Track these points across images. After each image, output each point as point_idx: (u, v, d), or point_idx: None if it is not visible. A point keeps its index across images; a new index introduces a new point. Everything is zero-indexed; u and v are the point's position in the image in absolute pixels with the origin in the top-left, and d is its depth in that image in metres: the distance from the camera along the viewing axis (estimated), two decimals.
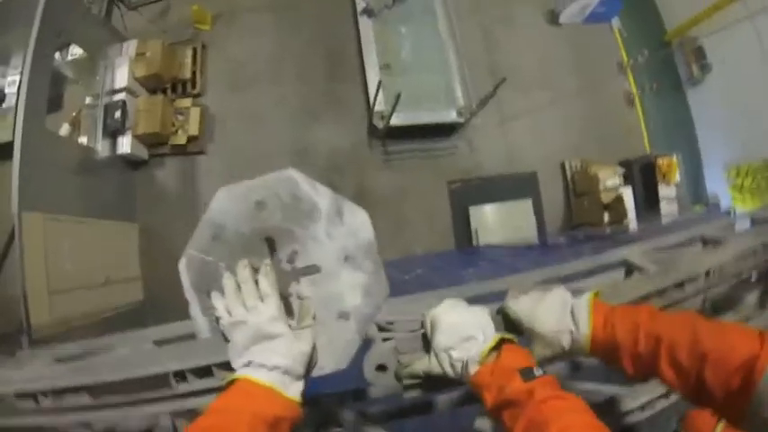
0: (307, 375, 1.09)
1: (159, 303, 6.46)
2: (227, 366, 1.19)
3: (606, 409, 1.50)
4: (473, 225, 7.79)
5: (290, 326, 1.11)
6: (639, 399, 1.48)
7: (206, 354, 1.25)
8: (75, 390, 1.40)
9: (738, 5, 8.04)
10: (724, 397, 0.88)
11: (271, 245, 1.23)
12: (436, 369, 1.12)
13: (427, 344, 1.18)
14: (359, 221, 1.21)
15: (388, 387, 1.23)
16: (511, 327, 1.21)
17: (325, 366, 1.15)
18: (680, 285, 1.44)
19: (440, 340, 1.10)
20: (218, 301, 1.13)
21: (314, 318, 1.16)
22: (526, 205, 8.05)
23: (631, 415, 1.46)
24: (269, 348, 1.04)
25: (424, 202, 8.00)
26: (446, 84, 7.82)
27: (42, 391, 1.43)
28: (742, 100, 8.42)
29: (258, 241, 1.22)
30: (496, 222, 7.88)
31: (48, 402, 1.43)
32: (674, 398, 1.52)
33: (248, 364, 1.03)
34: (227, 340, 1.11)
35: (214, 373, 1.25)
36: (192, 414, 1.40)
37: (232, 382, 1.02)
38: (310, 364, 1.11)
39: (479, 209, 7.90)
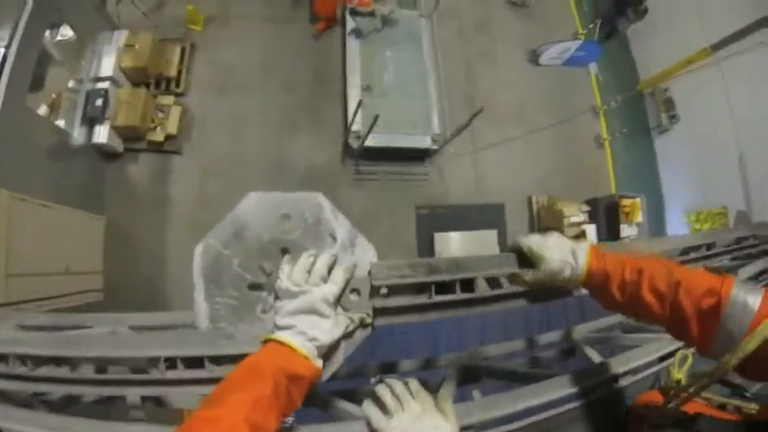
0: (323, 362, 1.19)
1: (117, 300, 6.40)
2: (219, 360, 1.27)
3: (598, 371, 1.66)
4: (437, 251, 7.88)
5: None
6: (628, 364, 1.65)
7: (201, 345, 1.30)
8: (58, 361, 1.40)
9: (709, 61, 8.54)
10: (696, 316, 1.12)
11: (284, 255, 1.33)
12: (549, 279, 1.36)
13: (524, 263, 1.41)
14: (367, 257, 1.35)
15: (361, 307, 1.30)
16: (521, 261, 1.43)
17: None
18: None
19: (553, 257, 1.34)
20: (286, 265, 1.24)
21: (361, 320, 1.27)
22: (491, 236, 8.19)
23: (621, 378, 1.64)
24: (314, 323, 1.14)
25: (390, 224, 8.09)
26: (424, 110, 8.01)
27: (21, 355, 1.42)
28: (705, 151, 8.95)
29: (273, 249, 1.32)
30: (461, 250, 7.96)
31: (23, 369, 1.41)
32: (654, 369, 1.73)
33: (289, 328, 1.13)
34: (276, 297, 1.21)
35: (205, 365, 1.29)
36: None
37: (267, 340, 1.13)
38: (330, 353, 1.21)
39: (445, 236, 8.00)
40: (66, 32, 6.54)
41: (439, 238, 7.96)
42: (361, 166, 8.04)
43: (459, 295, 1.37)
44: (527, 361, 2.22)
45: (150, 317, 1.83)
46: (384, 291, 1.33)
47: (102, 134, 6.70)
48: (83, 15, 6.56)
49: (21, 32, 4.99)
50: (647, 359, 1.70)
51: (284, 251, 1.32)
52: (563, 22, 10.49)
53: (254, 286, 1.31)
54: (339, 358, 1.24)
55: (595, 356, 1.98)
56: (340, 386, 1.72)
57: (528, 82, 9.53)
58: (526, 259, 1.42)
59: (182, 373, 1.31)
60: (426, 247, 8.04)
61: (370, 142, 7.29)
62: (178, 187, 7.43)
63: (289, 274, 1.21)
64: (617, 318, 2.32)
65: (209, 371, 1.28)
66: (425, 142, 7.79)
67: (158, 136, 7.20)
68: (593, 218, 8.43)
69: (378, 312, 1.32)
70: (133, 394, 1.43)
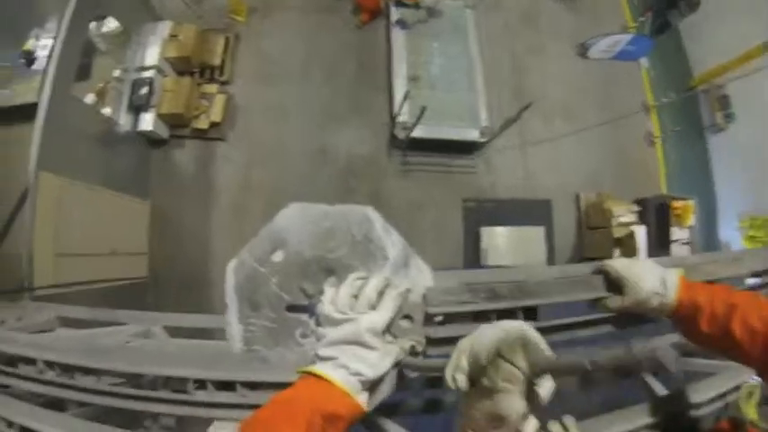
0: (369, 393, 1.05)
1: (161, 281, 6.67)
2: (252, 386, 1.18)
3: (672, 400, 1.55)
4: (483, 245, 7.71)
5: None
6: (705, 394, 1.52)
7: (234, 368, 1.22)
8: (86, 370, 1.36)
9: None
10: None
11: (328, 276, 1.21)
12: (634, 307, 1.31)
13: (613, 288, 1.35)
14: (422, 278, 1.20)
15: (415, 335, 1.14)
16: (609, 285, 1.36)
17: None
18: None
19: (641, 285, 1.28)
20: (330, 289, 1.09)
21: (411, 348, 1.11)
22: (538, 232, 7.97)
23: (697, 408, 1.51)
24: (359, 355, 1.01)
25: (436, 217, 7.98)
26: (471, 102, 7.86)
27: (50, 362, 1.39)
28: (763, 152, 8.40)
29: (315, 268, 1.18)
30: (507, 246, 7.78)
31: (51, 375, 1.39)
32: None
33: (331, 359, 1.00)
34: (317, 323, 1.09)
35: (237, 389, 1.21)
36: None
37: (305, 372, 1.01)
38: (375, 384, 1.07)
39: (491, 230, 7.81)
40: (112, 24, 6.68)
41: (486, 232, 7.79)
42: (407, 156, 7.97)
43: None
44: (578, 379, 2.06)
45: (186, 318, 1.80)
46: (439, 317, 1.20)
47: (147, 121, 6.84)
48: (127, 7, 6.68)
49: (67, 24, 5.07)
50: (723, 389, 1.57)
51: (328, 271, 1.18)
52: (612, 15, 10.06)
53: (294, 308, 1.17)
54: (385, 389, 1.09)
55: (653, 382, 1.86)
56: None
57: (576, 76, 9.23)
58: (611, 283, 1.36)
59: (212, 395, 1.24)
60: (472, 241, 7.92)
61: (416, 133, 7.21)
62: (222, 173, 7.51)
63: (332, 299, 1.07)
64: (674, 337, 2.16)
65: (242, 395, 1.20)
66: (473, 134, 7.65)
67: (203, 123, 7.26)
68: (642, 219, 8.09)
69: (431, 342, 1.18)
70: (160, 411, 1.37)
